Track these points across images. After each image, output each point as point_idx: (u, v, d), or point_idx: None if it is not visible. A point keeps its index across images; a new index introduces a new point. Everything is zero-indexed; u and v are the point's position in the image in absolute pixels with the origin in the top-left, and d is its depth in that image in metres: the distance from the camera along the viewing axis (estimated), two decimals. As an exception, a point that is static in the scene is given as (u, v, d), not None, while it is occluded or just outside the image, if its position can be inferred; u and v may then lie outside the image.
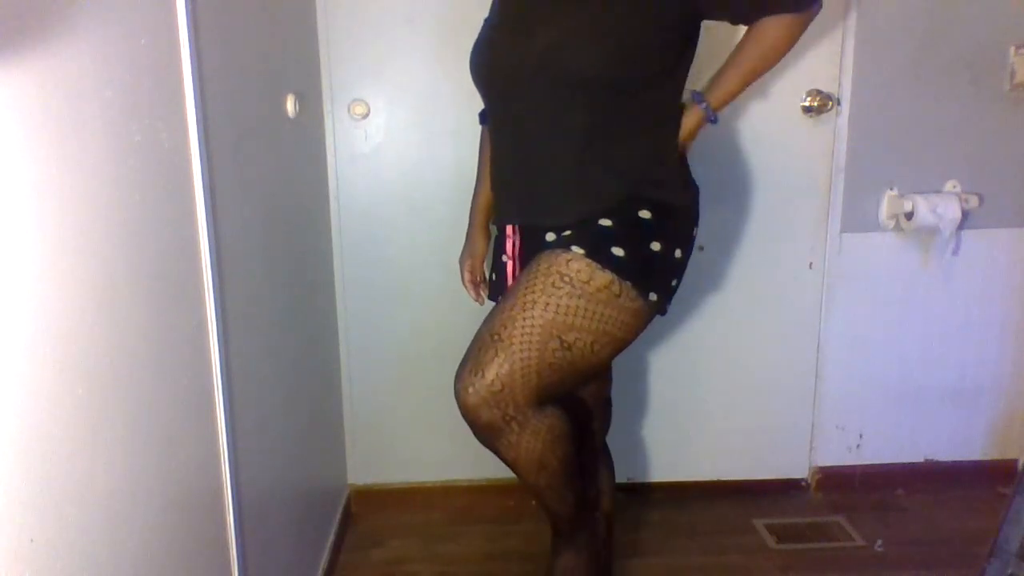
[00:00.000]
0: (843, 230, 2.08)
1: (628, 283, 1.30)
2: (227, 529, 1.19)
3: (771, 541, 2.00)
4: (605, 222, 1.33)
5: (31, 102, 0.70)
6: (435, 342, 2.10)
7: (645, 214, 1.35)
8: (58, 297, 0.74)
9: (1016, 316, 2.16)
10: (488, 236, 1.69)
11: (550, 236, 1.40)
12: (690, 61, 1.40)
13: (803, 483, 2.24)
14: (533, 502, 2.16)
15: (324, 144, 1.98)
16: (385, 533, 2.08)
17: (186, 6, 1.02)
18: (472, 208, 1.69)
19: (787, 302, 2.12)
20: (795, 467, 2.23)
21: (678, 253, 1.38)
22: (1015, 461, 2.21)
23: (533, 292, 1.30)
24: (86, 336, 0.78)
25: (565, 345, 1.29)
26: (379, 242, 2.05)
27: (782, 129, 2.02)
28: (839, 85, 2.00)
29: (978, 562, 1.37)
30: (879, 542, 1.98)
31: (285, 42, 1.66)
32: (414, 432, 2.17)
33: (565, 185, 1.38)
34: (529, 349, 1.28)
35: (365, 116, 1.98)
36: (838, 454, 2.22)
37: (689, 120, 1.40)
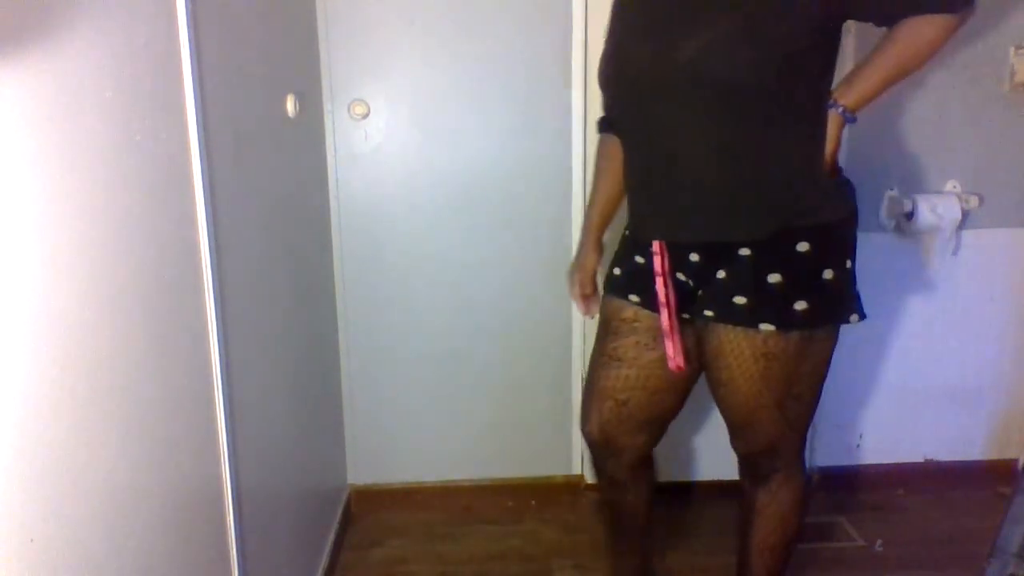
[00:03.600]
0: (843, 230, 2.08)
1: (819, 326, 1.34)
2: (227, 529, 1.19)
3: (771, 541, 2.00)
4: (774, 278, 1.30)
5: (31, 102, 0.70)
6: (435, 342, 2.10)
7: (803, 247, 1.30)
8: (58, 297, 0.74)
9: (1016, 316, 2.16)
10: (601, 251, 1.62)
11: (694, 256, 1.37)
12: (833, 67, 1.35)
13: (803, 483, 2.24)
14: (533, 502, 2.17)
15: (324, 144, 1.98)
16: (385, 533, 2.08)
17: (186, 6, 1.02)
18: (586, 221, 1.62)
19: (787, 302, 2.12)
20: (795, 467, 2.23)
21: (848, 264, 1.35)
22: (1015, 461, 2.21)
23: (754, 380, 1.37)
24: (86, 336, 0.78)
25: (794, 395, 1.39)
26: (379, 242, 2.05)
27: (782, 129, 2.01)
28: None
29: (978, 562, 1.37)
30: (879, 542, 1.98)
31: (285, 42, 1.66)
32: (414, 432, 2.17)
33: (710, 202, 1.33)
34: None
35: (365, 116, 1.98)
36: (838, 454, 2.22)
37: (830, 128, 1.35)
